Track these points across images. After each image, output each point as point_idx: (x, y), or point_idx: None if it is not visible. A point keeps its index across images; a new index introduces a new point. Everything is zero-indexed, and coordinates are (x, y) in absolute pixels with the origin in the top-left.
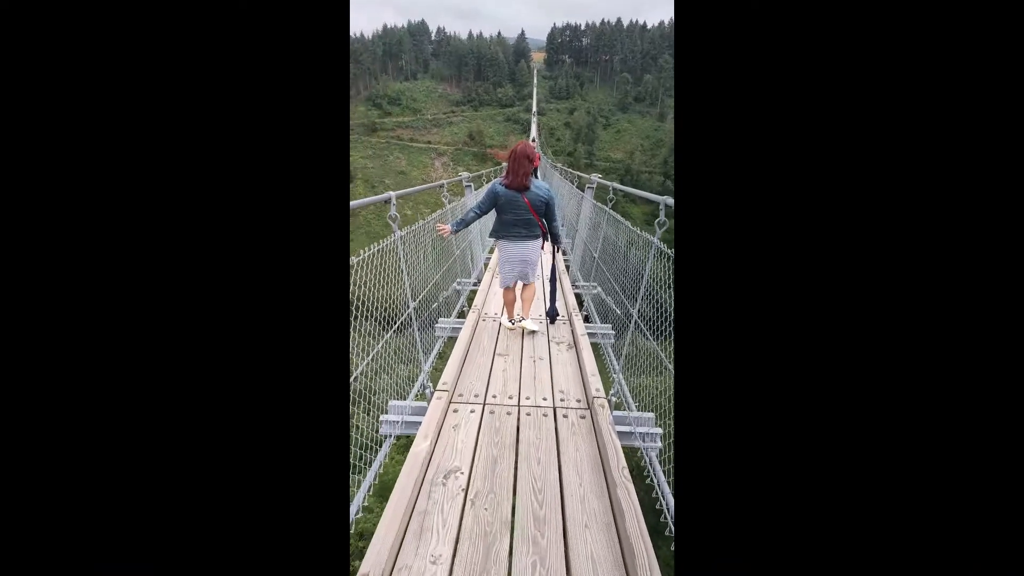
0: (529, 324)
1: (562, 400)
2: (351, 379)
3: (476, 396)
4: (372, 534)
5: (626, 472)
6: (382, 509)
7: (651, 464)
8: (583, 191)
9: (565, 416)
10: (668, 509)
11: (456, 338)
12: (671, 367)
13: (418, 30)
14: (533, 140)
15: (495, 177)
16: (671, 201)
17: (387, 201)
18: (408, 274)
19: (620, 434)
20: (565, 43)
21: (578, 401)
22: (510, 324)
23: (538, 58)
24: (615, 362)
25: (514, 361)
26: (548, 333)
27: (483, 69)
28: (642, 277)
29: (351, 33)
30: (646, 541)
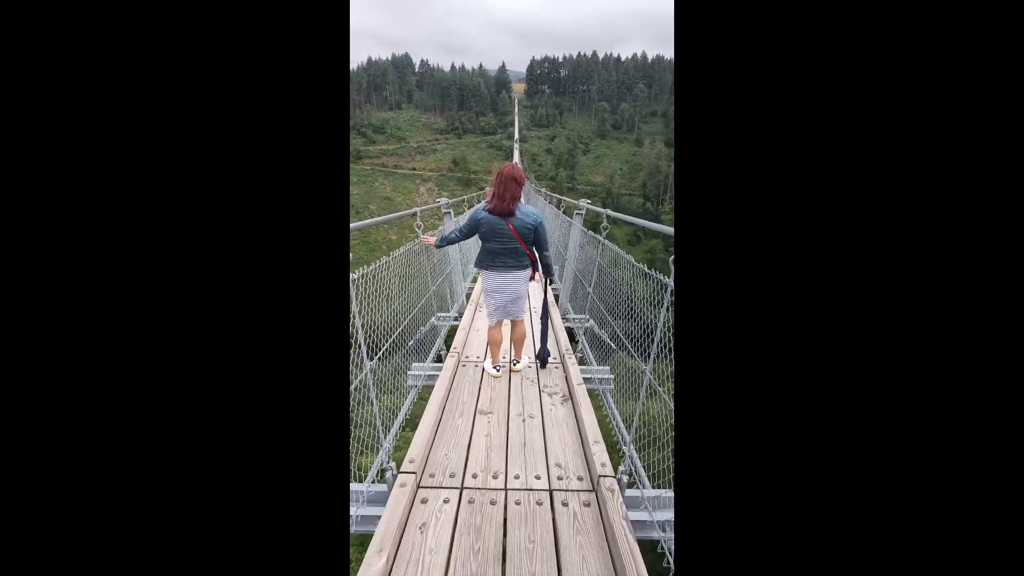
0: (521, 366)
1: (560, 478)
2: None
3: (452, 476)
4: None
5: None
6: None
7: (673, 564)
8: (570, 217)
9: (565, 504)
10: None
11: (432, 387)
12: None
13: (402, 62)
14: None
15: (478, 202)
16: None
17: None
18: (362, 329)
19: (634, 522)
20: (544, 74)
21: (580, 479)
22: (495, 371)
23: (518, 88)
24: (621, 426)
25: (500, 422)
26: (539, 380)
27: (466, 99)
28: (655, 328)
29: None
30: None
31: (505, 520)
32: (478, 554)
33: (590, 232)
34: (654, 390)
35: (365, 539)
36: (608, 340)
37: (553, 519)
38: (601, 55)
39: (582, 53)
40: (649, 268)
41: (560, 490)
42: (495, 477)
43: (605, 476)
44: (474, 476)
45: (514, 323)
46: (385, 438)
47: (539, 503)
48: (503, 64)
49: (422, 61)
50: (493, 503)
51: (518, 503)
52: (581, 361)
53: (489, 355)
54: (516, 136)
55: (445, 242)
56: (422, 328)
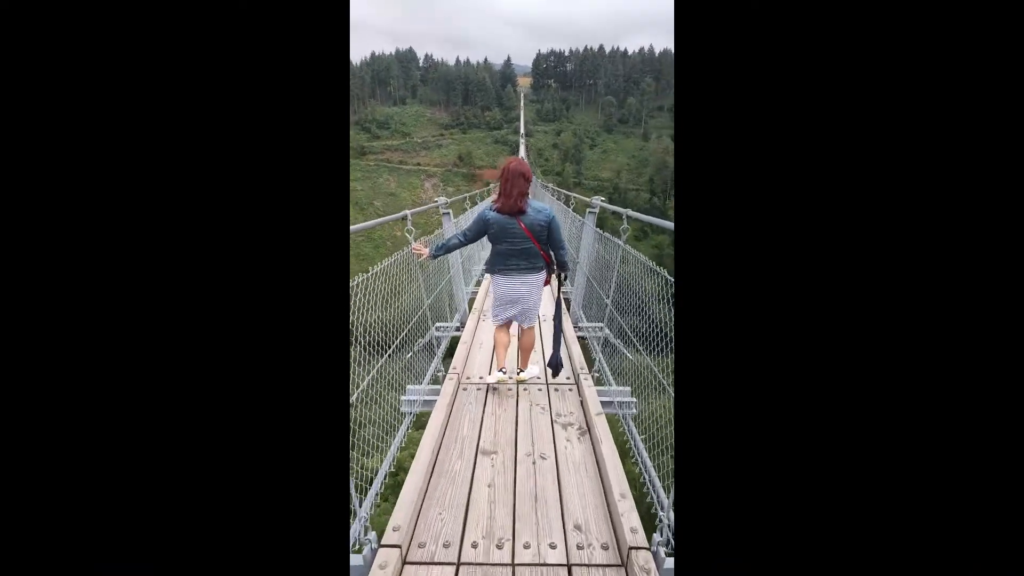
0: (527, 374)
1: (580, 547)
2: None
3: (447, 546)
4: None
5: None
6: None
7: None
8: (577, 214)
9: None
10: None
11: (428, 413)
12: None
13: (406, 57)
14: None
15: (482, 199)
16: None
17: None
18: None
19: None
20: (550, 68)
21: (605, 548)
22: (501, 374)
23: (524, 83)
24: (655, 481)
25: (506, 465)
26: (551, 407)
27: (471, 94)
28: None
29: None
30: None
31: None
32: None
33: (606, 234)
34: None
35: None
36: (626, 351)
37: None
38: (608, 49)
39: (588, 47)
40: (657, 264)
41: (581, 564)
42: (500, 547)
43: (638, 548)
44: (474, 545)
45: (524, 329)
46: (361, 505)
47: None
48: (508, 58)
49: (426, 55)
50: None
51: None
52: (598, 381)
53: (495, 359)
54: (522, 131)
55: (443, 250)
56: (421, 340)
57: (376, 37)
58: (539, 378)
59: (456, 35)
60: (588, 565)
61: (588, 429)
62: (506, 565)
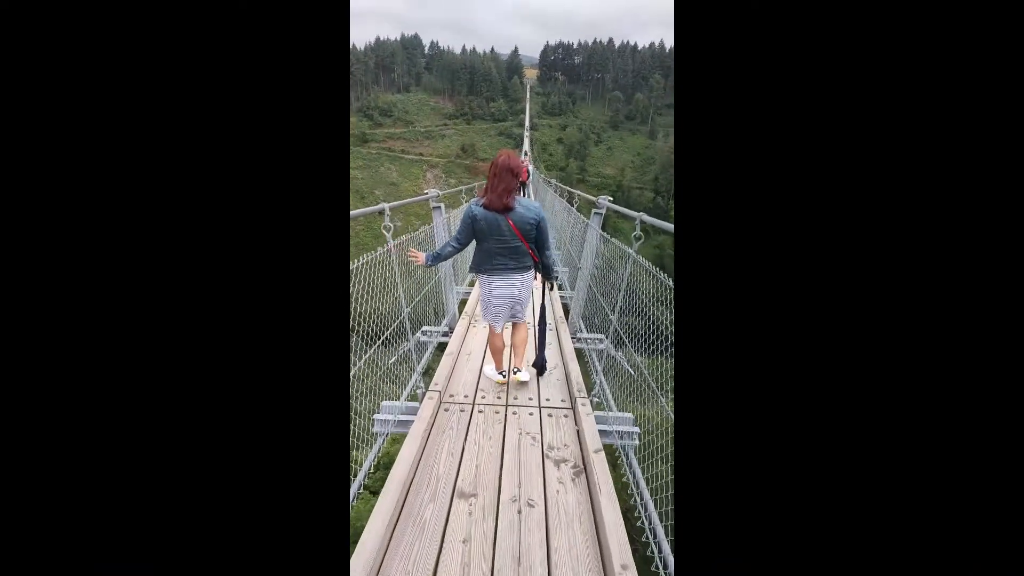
0: (524, 376)
1: None
2: None
3: None
4: None
5: None
6: None
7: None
8: (581, 214)
9: None
10: None
11: (403, 435)
12: None
13: (411, 43)
14: (526, 154)
15: (479, 193)
16: None
17: None
18: None
19: None
20: (558, 61)
21: None
22: (502, 376)
23: (531, 74)
24: (656, 522)
25: (486, 513)
26: (543, 437)
27: (476, 83)
28: None
29: None
30: None
31: None
32: None
33: (614, 240)
34: None
35: None
36: (627, 366)
37: None
38: (617, 43)
39: (598, 40)
40: (658, 266)
41: None
42: None
43: None
44: None
45: (516, 326)
46: None
47: None
48: (515, 48)
49: (432, 42)
50: None
51: None
52: (597, 406)
53: (491, 360)
54: (527, 124)
55: (439, 259)
56: (405, 345)
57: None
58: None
59: (463, 23)
60: None
61: (584, 468)
62: None
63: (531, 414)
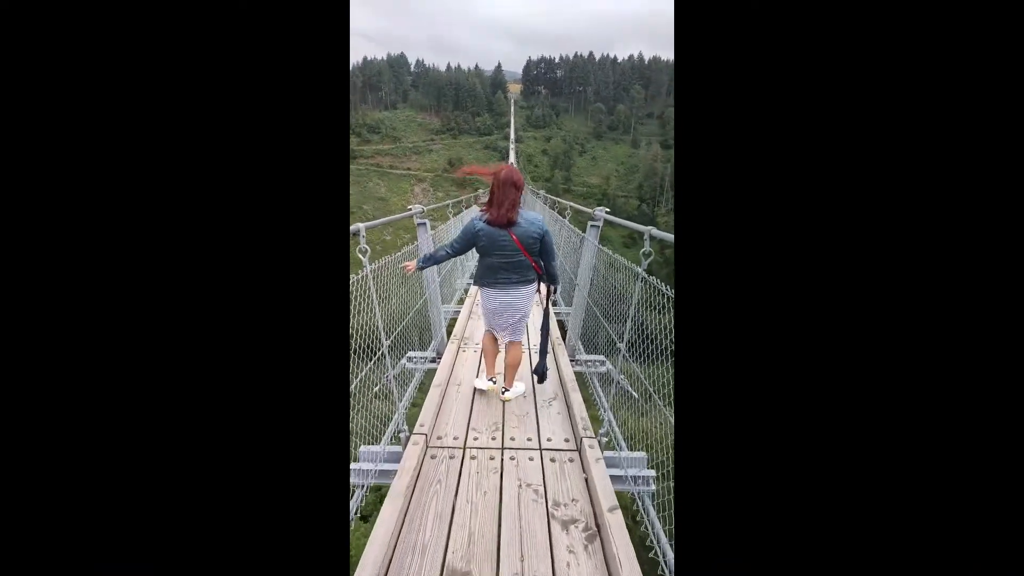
0: (511, 395)
1: None
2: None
3: None
4: None
5: None
6: None
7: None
8: (574, 226)
9: None
10: None
11: (385, 488)
12: None
13: (397, 62)
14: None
15: (467, 206)
16: None
17: None
18: None
19: None
20: (540, 75)
21: None
22: (490, 383)
23: (515, 89)
24: None
25: None
26: (546, 491)
27: (462, 99)
28: None
29: None
30: None
31: None
32: None
33: (618, 257)
34: None
35: None
36: (622, 382)
37: None
38: (598, 56)
39: (578, 54)
40: (648, 273)
41: None
42: None
43: None
44: None
45: (511, 345)
46: None
47: None
48: (499, 64)
49: (418, 61)
50: None
51: None
52: (607, 445)
53: (484, 366)
54: (512, 137)
55: (430, 262)
56: (388, 373)
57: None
58: (524, 396)
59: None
60: None
61: (598, 530)
62: None
63: (531, 459)
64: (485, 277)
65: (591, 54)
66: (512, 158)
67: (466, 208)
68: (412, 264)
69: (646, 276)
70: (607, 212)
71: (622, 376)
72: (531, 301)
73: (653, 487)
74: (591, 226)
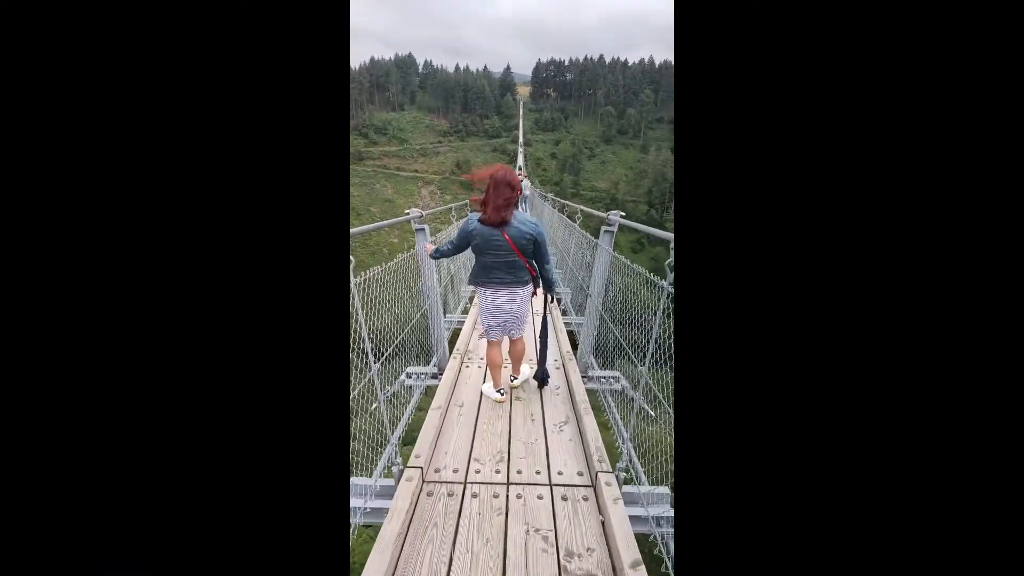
0: (520, 380)
1: None
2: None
3: None
4: None
5: None
6: None
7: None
8: (582, 230)
9: None
10: None
11: (377, 527)
12: None
13: (405, 63)
14: (520, 169)
15: (471, 210)
16: None
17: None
18: None
19: None
20: (550, 77)
21: None
22: (498, 395)
23: (524, 92)
24: None
25: None
26: (556, 534)
27: (470, 101)
28: None
29: None
30: None
31: None
32: None
33: (638, 268)
34: None
35: None
36: (638, 400)
37: None
38: (608, 59)
39: (589, 57)
40: (656, 274)
41: None
42: None
43: None
44: None
45: (513, 340)
46: None
47: None
48: (508, 66)
49: (426, 62)
50: None
51: None
52: (626, 480)
53: (489, 378)
54: (520, 140)
55: (439, 254)
56: (388, 389)
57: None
58: (532, 419)
59: (456, 43)
60: None
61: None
62: None
63: (540, 497)
64: (480, 276)
65: (601, 57)
66: (520, 161)
67: (471, 212)
68: (431, 246)
69: (671, 291)
70: (623, 216)
71: (642, 398)
72: (526, 303)
73: (671, 528)
74: (605, 231)
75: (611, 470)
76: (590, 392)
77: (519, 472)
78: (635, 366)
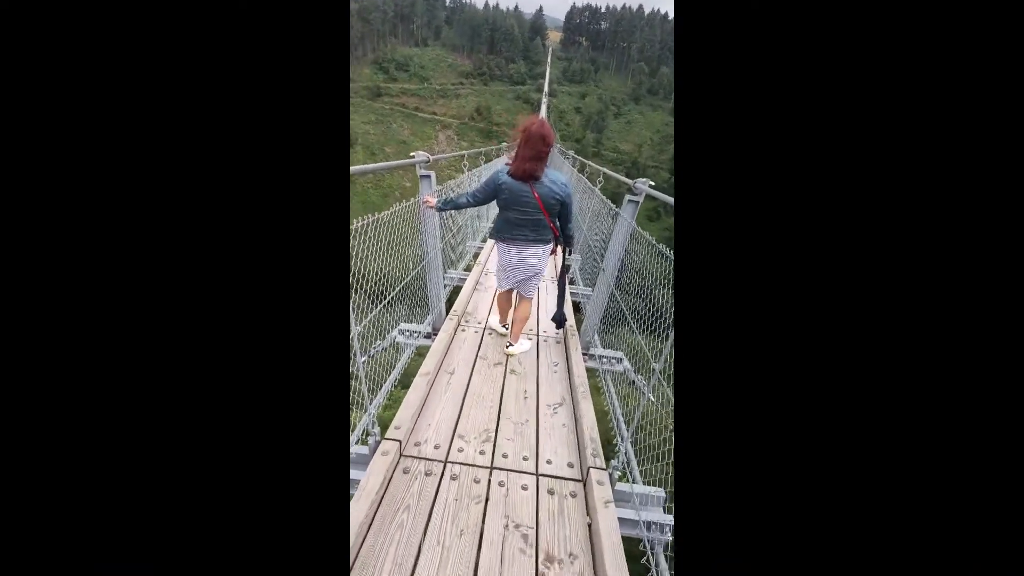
0: (516, 349)
1: None
2: None
3: None
4: None
5: None
6: None
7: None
8: (600, 194)
9: None
10: None
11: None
12: None
13: None
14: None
15: (486, 159)
16: None
17: None
18: None
19: None
20: (583, 24)
21: None
22: (503, 329)
23: (554, 37)
24: None
25: None
26: (538, 532)
27: (496, 42)
28: None
29: None
30: None
31: None
32: None
33: (662, 246)
34: None
35: None
36: (636, 380)
37: None
38: (648, 10)
39: (627, 5)
40: (668, 245)
41: None
42: None
43: None
44: None
45: (521, 300)
46: None
47: None
48: (540, 7)
49: None
50: None
51: None
52: (620, 478)
53: (498, 314)
54: (546, 89)
55: (451, 206)
56: (377, 344)
57: None
58: (528, 352)
59: None
60: None
61: None
62: None
63: (524, 487)
64: (502, 231)
65: (640, 7)
66: (543, 112)
67: (484, 163)
68: (433, 200)
69: None
70: (651, 185)
71: (623, 361)
72: (545, 260)
73: (670, 536)
74: (629, 201)
75: (604, 467)
76: (589, 371)
77: (505, 456)
78: (652, 362)
